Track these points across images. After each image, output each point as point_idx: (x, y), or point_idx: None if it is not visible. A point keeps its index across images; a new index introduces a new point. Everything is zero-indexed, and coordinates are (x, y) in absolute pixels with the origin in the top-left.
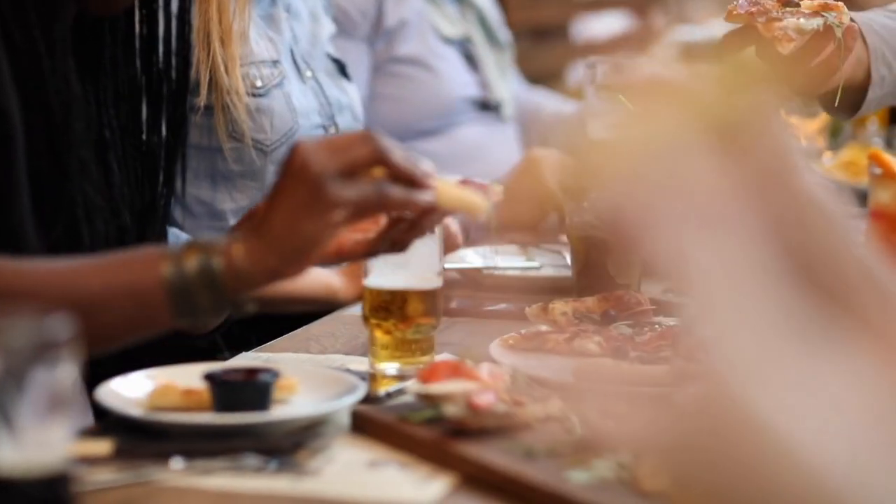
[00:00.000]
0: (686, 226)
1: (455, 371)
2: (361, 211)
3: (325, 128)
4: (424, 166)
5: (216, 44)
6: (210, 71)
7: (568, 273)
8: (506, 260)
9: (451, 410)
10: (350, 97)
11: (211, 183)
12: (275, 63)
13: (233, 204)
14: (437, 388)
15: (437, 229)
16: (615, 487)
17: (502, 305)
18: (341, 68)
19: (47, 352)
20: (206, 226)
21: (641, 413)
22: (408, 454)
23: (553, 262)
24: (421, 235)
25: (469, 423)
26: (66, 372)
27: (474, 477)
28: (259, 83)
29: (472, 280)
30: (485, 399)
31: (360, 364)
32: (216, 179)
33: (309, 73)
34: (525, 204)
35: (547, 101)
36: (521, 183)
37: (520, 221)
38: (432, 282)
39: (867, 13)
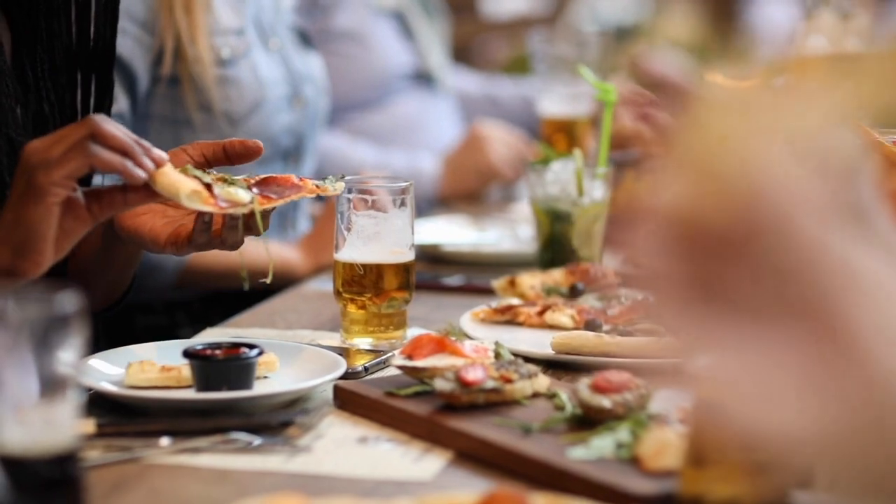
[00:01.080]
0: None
1: (440, 346)
2: (74, 179)
3: (290, 98)
4: (157, 153)
5: (180, 12)
6: (175, 40)
7: (525, 246)
8: (463, 234)
9: (440, 385)
10: (313, 67)
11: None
12: (240, 32)
13: None
14: (425, 362)
15: (410, 202)
16: (615, 465)
17: (456, 279)
18: (304, 38)
19: (54, 328)
20: None
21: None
22: (397, 430)
23: (507, 236)
24: (250, 234)
25: (459, 398)
26: (73, 348)
27: (469, 453)
28: (225, 53)
29: (431, 255)
30: (474, 374)
31: (331, 339)
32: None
33: (274, 43)
34: (468, 177)
35: (502, 90)
36: (466, 157)
37: (462, 194)
38: (405, 255)
39: None
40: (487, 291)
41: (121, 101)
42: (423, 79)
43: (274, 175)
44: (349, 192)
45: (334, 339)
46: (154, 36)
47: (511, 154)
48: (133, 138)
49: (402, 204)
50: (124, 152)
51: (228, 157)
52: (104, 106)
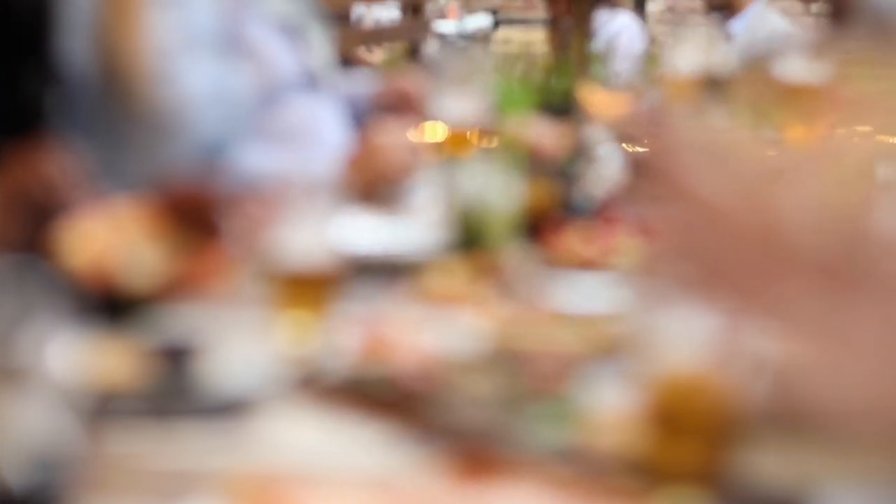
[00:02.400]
0: None
1: (388, 339)
2: None
3: (216, 101)
4: None
5: (114, 12)
6: (108, 44)
7: (438, 246)
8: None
9: (396, 376)
10: (238, 72)
11: (102, 157)
12: (167, 33)
13: (124, 179)
14: (373, 357)
15: (332, 207)
16: (569, 445)
17: (369, 280)
18: (228, 42)
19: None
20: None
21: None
22: (356, 419)
23: (417, 235)
24: None
25: (414, 391)
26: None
27: (433, 440)
28: (153, 53)
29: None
30: (421, 366)
31: (267, 339)
32: (109, 153)
33: (200, 45)
34: (360, 184)
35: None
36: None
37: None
38: (332, 260)
39: None
40: (408, 290)
41: None
42: (310, 81)
43: None
44: (272, 197)
45: (269, 338)
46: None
47: (407, 156)
48: None
49: (325, 206)
50: None
51: None
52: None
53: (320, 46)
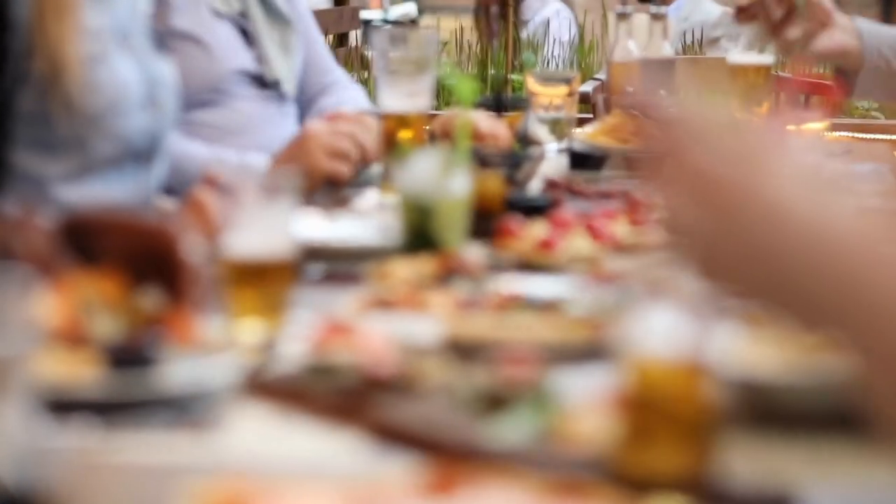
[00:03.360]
0: None
1: (340, 333)
2: None
3: (145, 100)
4: None
5: (48, 8)
6: (42, 38)
7: (384, 237)
8: (318, 227)
9: (347, 372)
10: (166, 71)
11: (36, 151)
12: (98, 32)
13: (57, 171)
14: (329, 350)
15: (291, 193)
16: (531, 444)
17: (317, 271)
18: (156, 42)
19: None
20: (27, 194)
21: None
22: (307, 415)
23: (362, 227)
24: None
25: (367, 385)
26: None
27: (388, 436)
28: (88, 52)
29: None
30: (381, 361)
31: (216, 328)
32: (42, 147)
33: (129, 44)
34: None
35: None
36: (290, 157)
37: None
38: (287, 248)
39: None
40: (356, 282)
41: None
42: (265, 84)
43: None
44: (229, 184)
45: (217, 329)
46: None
47: (347, 150)
48: None
49: (284, 196)
50: None
51: None
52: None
53: (279, 47)
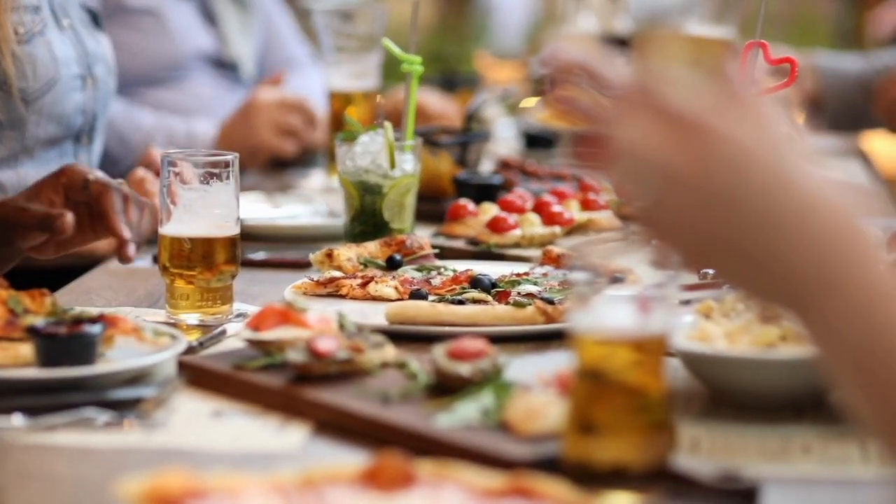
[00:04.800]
0: None
1: (285, 317)
2: None
3: (83, 78)
4: None
5: None
6: None
7: (328, 219)
8: (259, 209)
9: (293, 356)
10: (104, 48)
11: None
12: (36, 9)
13: None
14: (272, 334)
15: (234, 174)
16: (485, 431)
17: (260, 253)
18: (94, 18)
19: None
20: None
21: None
22: (248, 403)
23: (304, 209)
24: None
25: (312, 369)
26: None
27: (329, 423)
28: (22, 29)
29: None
30: (326, 344)
31: (156, 315)
32: None
33: (66, 22)
34: (238, 150)
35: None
36: (237, 129)
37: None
38: (232, 228)
39: None
40: (301, 265)
41: None
42: (224, 65)
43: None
44: (173, 164)
45: (159, 314)
46: None
47: (293, 125)
48: None
49: (227, 177)
50: None
51: None
52: None
53: (241, 28)
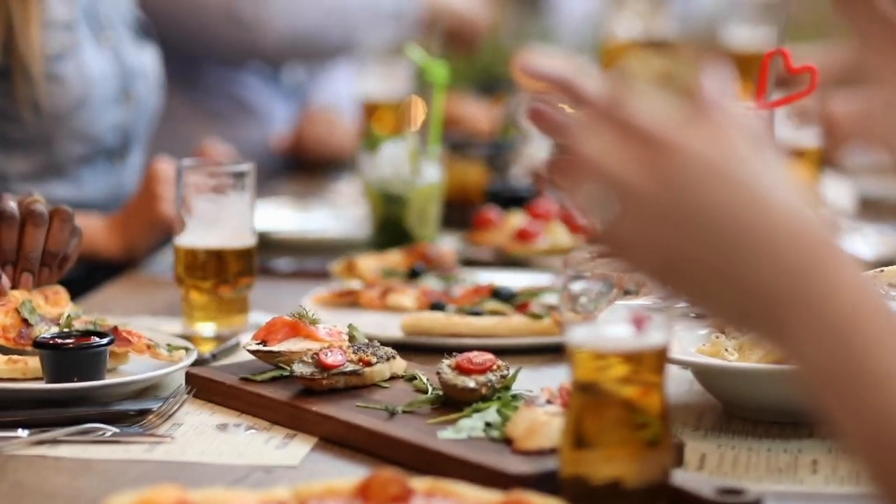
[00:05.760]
0: None
1: (294, 330)
2: None
3: (120, 95)
4: None
5: (14, 2)
6: (6, 31)
7: (355, 229)
8: (288, 217)
9: (299, 369)
10: (146, 62)
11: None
12: (69, 26)
13: (19, 169)
14: (280, 346)
15: (250, 184)
16: (488, 446)
17: (286, 263)
18: (141, 27)
19: None
20: None
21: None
22: (255, 416)
23: (334, 218)
24: None
25: (319, 382)
26: None
27: (334, 437)
28: (52, 49)
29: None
30: (334, 357)
31: (172, 326)
32: (4, 145)
33: (107, 35)
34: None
35: None
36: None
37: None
38: (247, 239)
39: None
40: (322, 275)
41: None
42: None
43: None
44: (188, 175)
45: (175, 325)
46: None
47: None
48: None
49: (243, 187)
50: None
51: None
52: None
53: None
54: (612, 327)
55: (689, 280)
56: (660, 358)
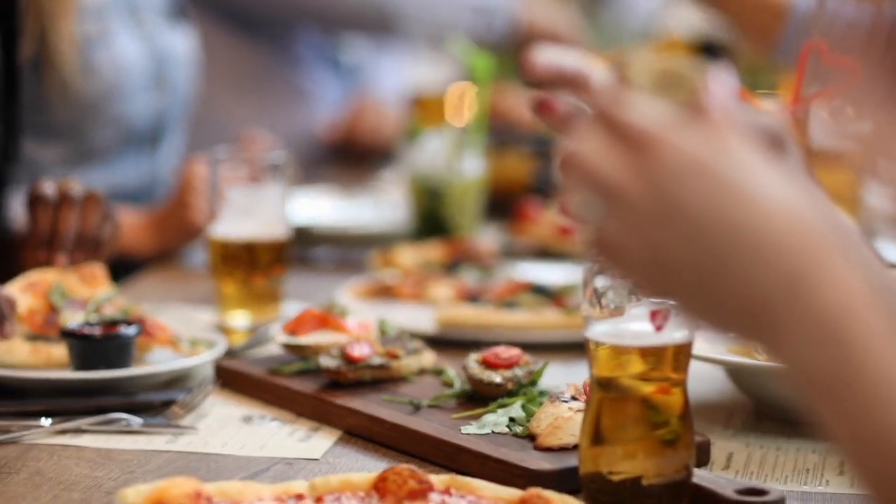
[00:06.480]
0: None
1: (323, 322)
2: None
3: (153, 81)
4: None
5: None
6: (38, 20)
7: (397, 220)
8: (332, 207)
9: (325, 362)
10: (181, 46)
11: (31, 136)
12: (100, 12)
13: (52, 157)
14: (309, 339)
15: (284, 175)
16: (510, 441)
17: (326, 253)
18: (177, 7)
19: None
20: (23, 178)
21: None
22: (281, 408)
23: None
24: None
25: (345, 375)
26: None
27: (358, 431)
28: (84, 37)
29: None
30: (360, 350)
31: (206, 316)
32: (38, 133)
33: (142, 17)
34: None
35: None
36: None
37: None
38: (280, 230)
39: None
40: (359, 266)
41: None
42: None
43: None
44: (222, 165)
45: (209, 315)
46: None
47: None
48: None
49: (276, 177)
50: None
51: None
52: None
53: None
54: (632, 323)
55: (676, 282)
56: (681, 355)
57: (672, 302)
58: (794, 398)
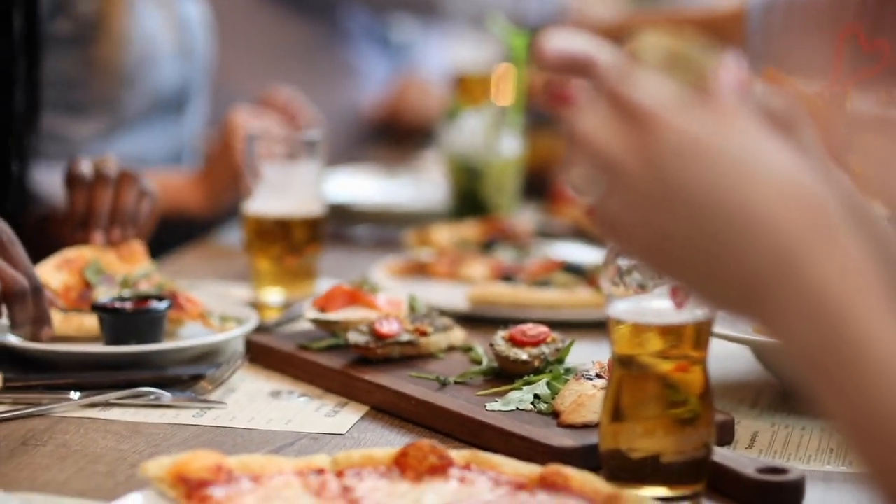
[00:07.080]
0: None
1: (353, 298)
2: None
3: (176, 48)
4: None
5: None
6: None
7: (435, 198)
8: (372, 185)
9: (354, 338)
10: (195, 13)
11: (65, 112)
12: None
13: (82, 132)
14: (338, 315)
15: (319, 152)
16: (534, 418)
17: (364, 231)
18: None
19: None
20: (57, 154)
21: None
22: (310, 383)
23: (418, 186)
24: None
25: (373, 351)
26: None
27: (384, 406)
28: (113, 7)
29: (338, 208)
30: (389, 327)
31: (241, 292)
32: (71, 108)
33: None
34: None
35: None
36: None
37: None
38: (316, 207)
39: None
40: (397, 244)
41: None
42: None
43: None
44: (257, 142)
45: (244, 291)
46: None
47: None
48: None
49: (312, 154)
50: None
51: None
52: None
53: None
54: (653, 301)
55: (676, 260)
56: (700, 334)
57: (669, 278)
58: (793, 375)
